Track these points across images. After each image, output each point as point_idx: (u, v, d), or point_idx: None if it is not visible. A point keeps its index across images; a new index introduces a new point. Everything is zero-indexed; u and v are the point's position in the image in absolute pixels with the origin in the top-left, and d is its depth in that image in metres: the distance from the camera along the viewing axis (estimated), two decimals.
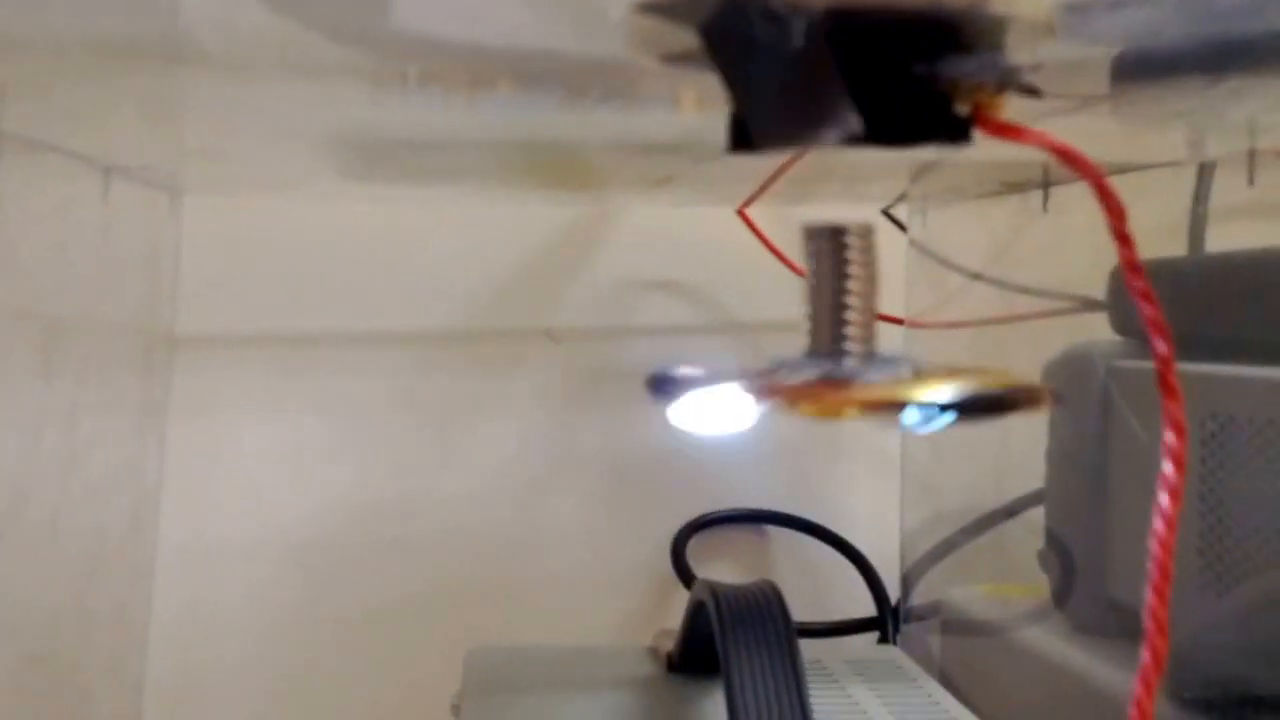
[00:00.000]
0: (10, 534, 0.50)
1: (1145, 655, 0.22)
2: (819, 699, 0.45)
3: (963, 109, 0.20)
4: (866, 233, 0.26)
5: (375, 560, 0.67)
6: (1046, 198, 0.54)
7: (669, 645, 0.48)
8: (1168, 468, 0.22)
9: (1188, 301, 0.50)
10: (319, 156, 0.53)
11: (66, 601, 0.55)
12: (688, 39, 0.19)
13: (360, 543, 0.67)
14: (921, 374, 0.26)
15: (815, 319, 0.27)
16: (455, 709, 0.45)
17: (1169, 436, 0.22)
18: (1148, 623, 0.23)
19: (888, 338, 0.68)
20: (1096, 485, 0.52)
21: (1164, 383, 0.22)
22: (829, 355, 0.26)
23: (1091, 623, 0.52)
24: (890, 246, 0.67)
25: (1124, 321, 0.53)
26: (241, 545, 0.66)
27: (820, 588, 0.68)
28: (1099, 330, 0.54)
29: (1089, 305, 0.59)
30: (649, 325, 0.69)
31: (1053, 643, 0.53)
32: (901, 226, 0.66)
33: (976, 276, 0.63)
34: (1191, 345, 0.47)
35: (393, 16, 0.23)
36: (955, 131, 0.20)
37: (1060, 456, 0.55)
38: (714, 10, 0.18)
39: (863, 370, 0.26)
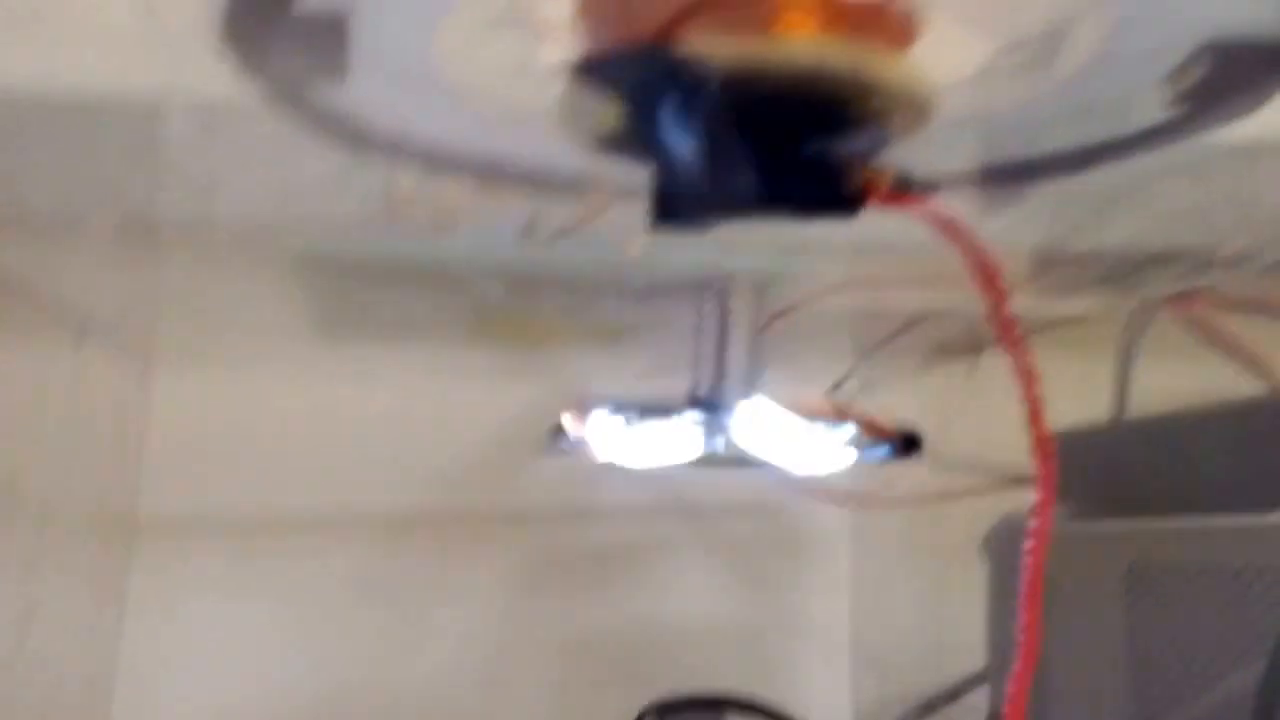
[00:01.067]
0: None
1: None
2: None
3: (854, 184, 0.23)
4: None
5: None
6: (976, 364, 0.57)
7: None
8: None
9: (1110, 463, 0.53)
10: (291, 303, 0.55)
11: None
12: (614, 119, 0.22)
13: None
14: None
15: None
16: None
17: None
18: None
19: (833, 518, 0.70)
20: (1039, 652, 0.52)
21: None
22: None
23: None
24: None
25: (1058, 487, 0.55)
26: None
27: None
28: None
29: (1019, 481, 0.62)
30: (608, 506, 0.70)
31: None
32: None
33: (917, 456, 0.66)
34: (1115, 503, 0.49)
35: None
36: (847, 204, 0.23)
37: (1000, 621, 0.56)
38: (634, 76, 0.21)
39: None
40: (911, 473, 0.68)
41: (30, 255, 0.44)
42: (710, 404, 0.28)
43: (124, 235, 0.57)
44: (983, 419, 0.62)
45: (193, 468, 0.67)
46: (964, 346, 0.57)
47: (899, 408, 0.67)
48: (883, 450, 0.27)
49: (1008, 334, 0.23)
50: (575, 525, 0.70)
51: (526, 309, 0.52)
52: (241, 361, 0.67)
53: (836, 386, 0.69)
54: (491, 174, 0.27)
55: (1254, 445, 0.45)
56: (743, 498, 0.71)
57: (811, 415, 0.27)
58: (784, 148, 0.22)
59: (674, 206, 0.23)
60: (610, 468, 0.73)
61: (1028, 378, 0.24)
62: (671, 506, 0.71)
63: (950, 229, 0.23)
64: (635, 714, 0.67)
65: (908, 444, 0.27)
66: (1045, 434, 0.27)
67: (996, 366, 0.58)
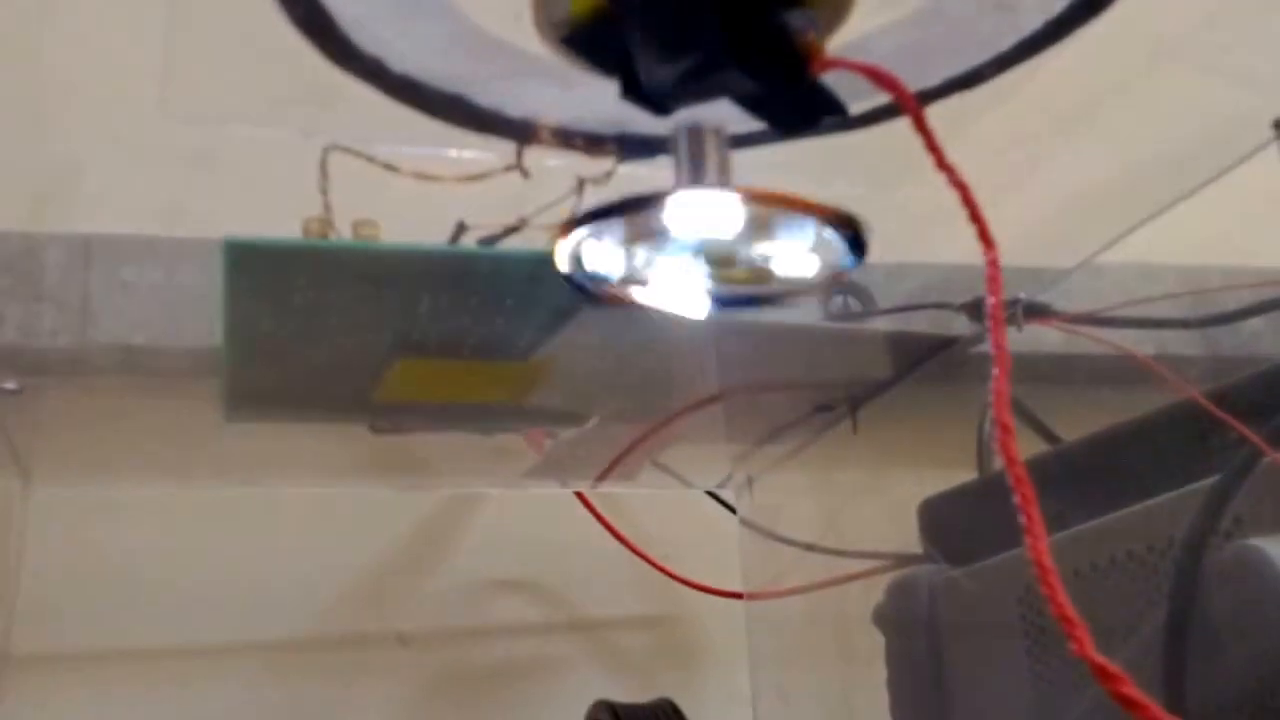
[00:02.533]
0: None
1: None
2: None
3: (800, 52, 0.25)
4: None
5: None
6: (855, 420, 0.59)
7: None
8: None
9: (980, 516, 0.55)
10: (168, 437, 0.55)
11: None
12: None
13: None
14: None
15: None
16: None
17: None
18: None
19: (729, 613, 0.71)
20: (935, 703, 0.53)
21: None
22: None
23: None
24: (723, 526, 0.71)
25: (938, 547, 0.57)
26: None
27: None
28: None
29: (908, 559, 0.64)
30: (498, 624, 0.69)
31: None
32: (730, 507, 0.70)
33: (808, 547, 0.67)
34: (993, 550, 0.51)
35: None
36: (794, 67, 0.25)
37: (899, 685, 0.56)
38: None
39: None
40: (802, 564, 0.69)
41: None
42: None
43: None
44: (873, 513, 0.64)
45: (69, 599, 0.64)
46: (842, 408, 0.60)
47: (786, 493, 0.69)
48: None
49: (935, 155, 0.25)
50: (466, 645, 0.69)
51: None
52: (118, 496, 0.65)
53: (721, 485, 0.70)
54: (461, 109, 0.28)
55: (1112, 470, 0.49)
56: (635, 610, 0.71)
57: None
58: (749, 14, 0.24)
59: (642, 75, 0.24)
60: (496, 586, 0.73)
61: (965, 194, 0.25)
62: (562, 622, 0.70)
63: (890, 82, 0.25)
64: None
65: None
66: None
67: (875, 429, 0.61)
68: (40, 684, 0.63)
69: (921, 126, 0.26)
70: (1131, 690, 0.17)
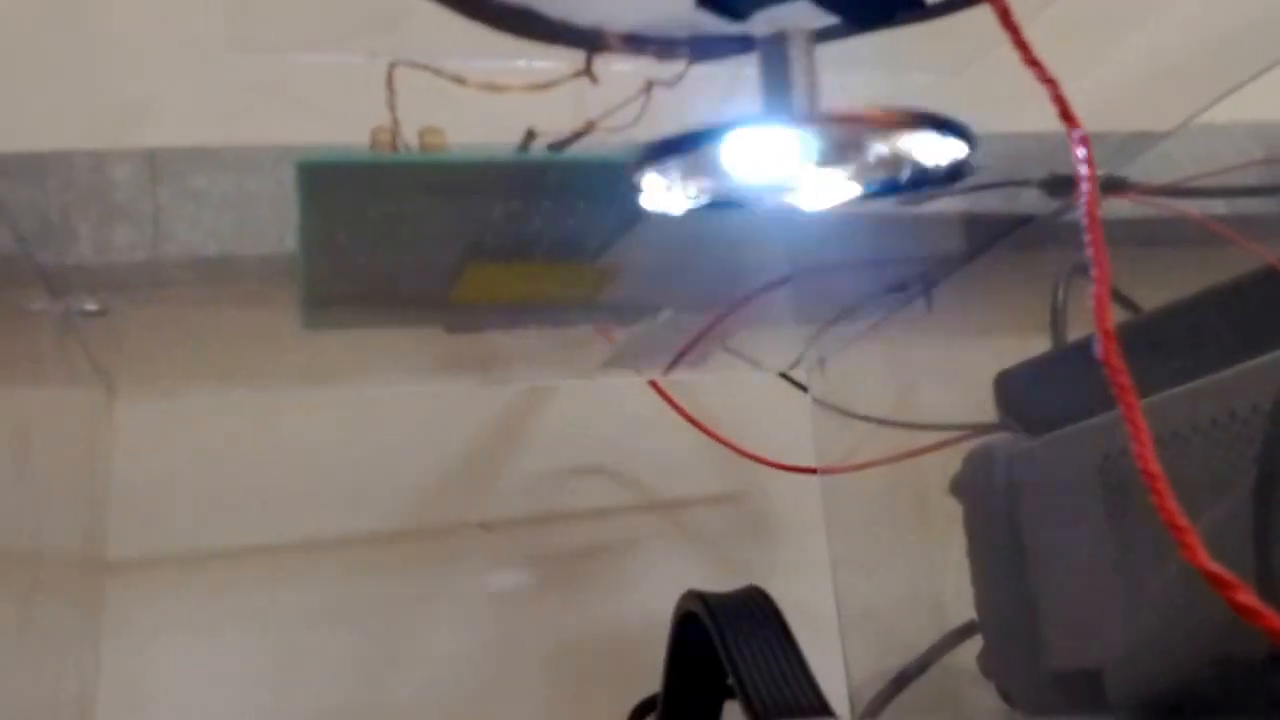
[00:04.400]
0: None
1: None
2: None
3: None
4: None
5: None
6: (929, 299, 0.59)
7: None
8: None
9: (1060, 384, 0.55)
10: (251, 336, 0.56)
11: None
12: None
13: None
14: None
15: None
16: None
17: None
18: None
19: (804, 490, 0.72)
20: (1016, 570, 0.54)
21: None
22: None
23: (1039, 705, 0.53)
24: (795, 407, 0.71)
25: (1015, 420, 0.57)
26: None
27: None
28: None
29: (984, 429, 0.64)
30: (578, 510, 0.71)
31: None
32: (802, 387, 0.71)
33: (882, 421, 0.67)
34: (1072, 420, 0.51)
35: None
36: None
37: (980, 555, 0.57)
38: None
39: None
40: (875, 440, 0.69)
41: None
42: None
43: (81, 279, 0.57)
44: (945, 385, 0.64)
45: (157, 505, 0.66)
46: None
47: (859, 372, 0.69)
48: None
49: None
50: (547, 530, 0.71)
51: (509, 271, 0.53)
52: (201, 404, 0.67)
53: (793, 367, 0.71)
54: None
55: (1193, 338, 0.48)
56: (712, 489, 0.72)
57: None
58: None
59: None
60: (574, 473, 0.74)
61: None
62: (641, 505, 0.71)
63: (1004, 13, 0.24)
64: (629, 707, 0.67)
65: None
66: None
67: (949, 306, 0.60)
68: (137, 587, 0.65)
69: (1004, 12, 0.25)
70: (1248, 598, 0.18)
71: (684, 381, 0.68)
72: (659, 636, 0.69)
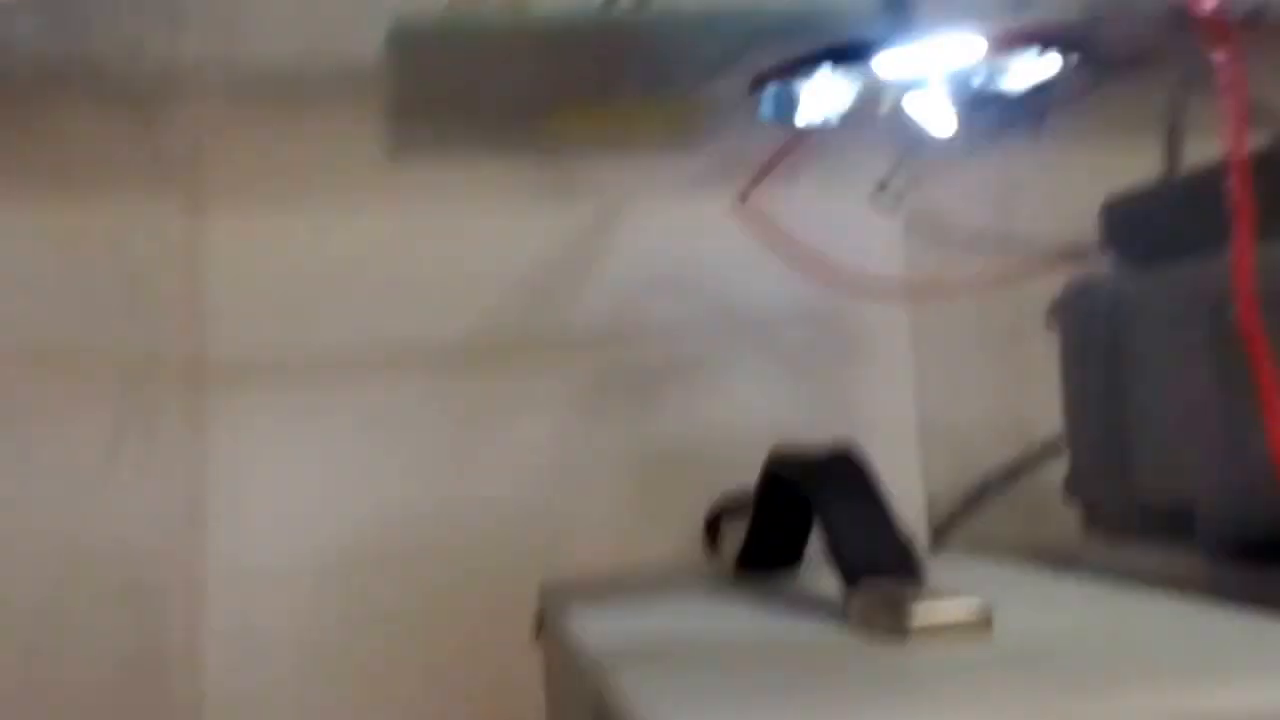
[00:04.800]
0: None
1: None
2: None
3: None
4: None
5: (413, 565, 0.68)
6: (1042, 122, 0.58)
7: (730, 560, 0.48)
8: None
9: (1172, 215, 0.53)
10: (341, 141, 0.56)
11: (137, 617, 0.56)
12: None
13: (397, 549, 0.68)
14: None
15: None
16: (537, 630, 0.46)
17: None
18: None
19: (889, 312, 0.71)
20: (1112, 399, 0.54)
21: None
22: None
23: (1123, 529, 0.54)
24: (884, 228, 0.71)
25: (1120, 250, 0.56)
26: (283, 558, 0.67)
27: None
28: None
29: (1081, 252, 0.63)
30: (660, 325, 0.71)
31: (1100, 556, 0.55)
32: (890, 207, 0.69)
33: (975, 241, 0.67)
34: (1183, 253, 0.50)
35: None
36: None
37: (1075, 384, 0.57)
38: None
39: None
40: (968, 261, 0.69)
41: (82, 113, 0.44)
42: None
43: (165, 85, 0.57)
44: (1040, 202, 0.63)
45: (254, 309, 0.67)
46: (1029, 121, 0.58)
47: (958, 189, 0.68)
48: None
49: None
50: (629, 345, 0.71)
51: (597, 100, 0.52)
52: (294, 200, 0.67)
53: (885, 183, 0.69)
54: None
55: None
56: (796, 307, 0.72)
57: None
58: None
59: None
60: (656, 289, 0.74)
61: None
62: (724, 322, 0.71)
63: None
64: (703, 517, 0.69)
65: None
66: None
67: (1060, 142, 0.58)
68: (237, 390, 0.67)
69: None
70: None
71: (773, 200, 0.67)
72: (736, 448, 0.70)
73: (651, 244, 0.71)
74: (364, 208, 0.67)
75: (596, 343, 0.71)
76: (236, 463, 0.67)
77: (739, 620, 0.38)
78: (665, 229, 0.71)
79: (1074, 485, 0.57)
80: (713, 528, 0.68)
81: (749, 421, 0.71)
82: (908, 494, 0.70)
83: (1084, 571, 0.53)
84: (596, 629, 0.38)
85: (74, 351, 0.59)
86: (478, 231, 0.69)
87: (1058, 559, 0.56)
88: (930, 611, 0.32)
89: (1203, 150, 0.54)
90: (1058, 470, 0.58)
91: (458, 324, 0.69)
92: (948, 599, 0.32)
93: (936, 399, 0.69)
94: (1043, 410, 0.60)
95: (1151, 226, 0.55)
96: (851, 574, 0.34)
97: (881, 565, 0.35)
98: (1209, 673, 0.28)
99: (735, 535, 0.68)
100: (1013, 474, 0.65)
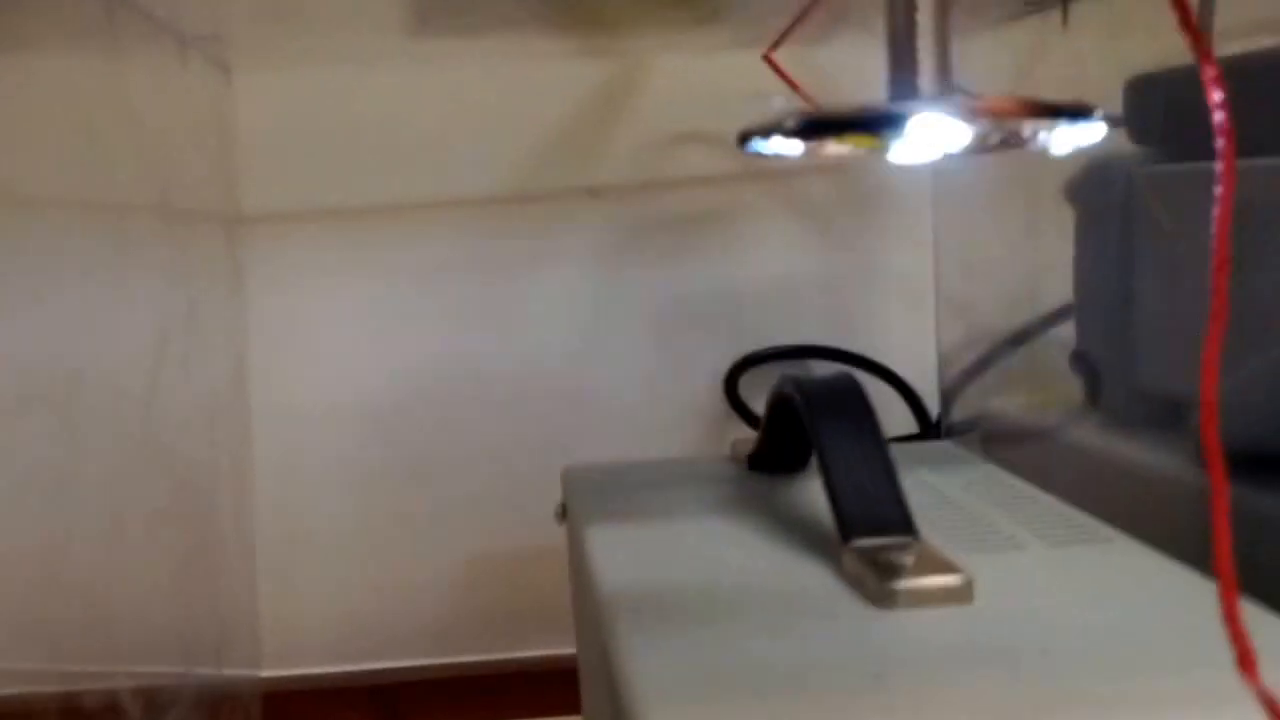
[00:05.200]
0: (159, 373, 0.54)
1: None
2: None
3: None
4: None
5: (445, 411, 0.71)
6: (1066, 14, 0.56)
7: (745, 451, 0.52)
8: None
9: (1199, 104, 0.53)
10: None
11: (199, 440, 0.60)
12: None
13: (431, 396, 0.71)
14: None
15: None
16: (561, 516, 0.49)
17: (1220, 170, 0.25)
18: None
19: (912, 172, 0.71)
20: (1124, 285, 0.55)
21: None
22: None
23: (1124, 414, 0.56)
24: None
25: (1141, 131, 0.56)
26: (322, 404, 0.71)
27: None
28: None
29: (1107, 121, 0.62)
30: (685, 176, 0.72)
31: (1089, 438, 0.57)
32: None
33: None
34: (1209, 145, 0.50)
35: None
36: None
37: (1088, 263, 0.58)
38: None
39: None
40: (992, 135, 0.68)
41: None
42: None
43: None
44: (1072, 69, 0.62)
45: (286, 165, 0.69)
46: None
47: (985, 56, 0.67)
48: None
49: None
50: (654, 196, 0.72)
51: None
52: (324, 56, 0.67)
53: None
54: None
55: None
56: (820, 161, 0.72)
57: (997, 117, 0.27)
58: None
59: None
60: (682, 140, 0.74)
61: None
62: (748, 173, 0.72)
63: None
64: (727, 366, 0.71)
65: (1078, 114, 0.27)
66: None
67: (1089, 17, 0.57)
68: (272, 240, 0.69)
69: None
70: None
71: (801, 54, 0.66)
72: (762, 298, 0.72)
73: (679, 94, 0.71)
74: (393, 64, 0.67)
75: (623, 196, 0.71)
76: (273, 312, 0.70)
77: (743, 553, 0.40)
78: (694, 79, 0.70)
79: (1079, 361, 0.58)
80: (732, 383, 0.70)
81: (770, 274, 0.72)
82: (921, 354, 0.72)
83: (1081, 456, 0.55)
84: (608, 556, 0.40)
85: (114, 208, 0.61)
86: (507, 85, 0.69)
87: (1057, 433, 0.59)
88: (915, 584, 0.34)
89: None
90: (1069, 337, 0.60)
91: (482, 179, 0.71)
92: (931, 574, 0.34)
93: (952, 261, 0.70)
94: (1058, 279, 0.61)
95: (1172, 111, 0.54)
96: (846, 531, 0.37)
97: (875, 523, 0.37)
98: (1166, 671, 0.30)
99: (751, 388, 0.71)
100: (1022, 339, 0.66)
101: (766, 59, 0.67)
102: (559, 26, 0.61)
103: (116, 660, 0.50)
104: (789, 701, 0.28)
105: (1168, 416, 0.52)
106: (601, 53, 0.68)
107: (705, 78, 0.70)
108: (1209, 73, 0.23)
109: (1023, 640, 0.32)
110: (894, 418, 0.71)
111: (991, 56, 0.65)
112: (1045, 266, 0.64)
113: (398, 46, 0.65)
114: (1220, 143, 0.23)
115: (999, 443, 0.65)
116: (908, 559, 0.35)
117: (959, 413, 0.69)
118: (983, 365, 0.68)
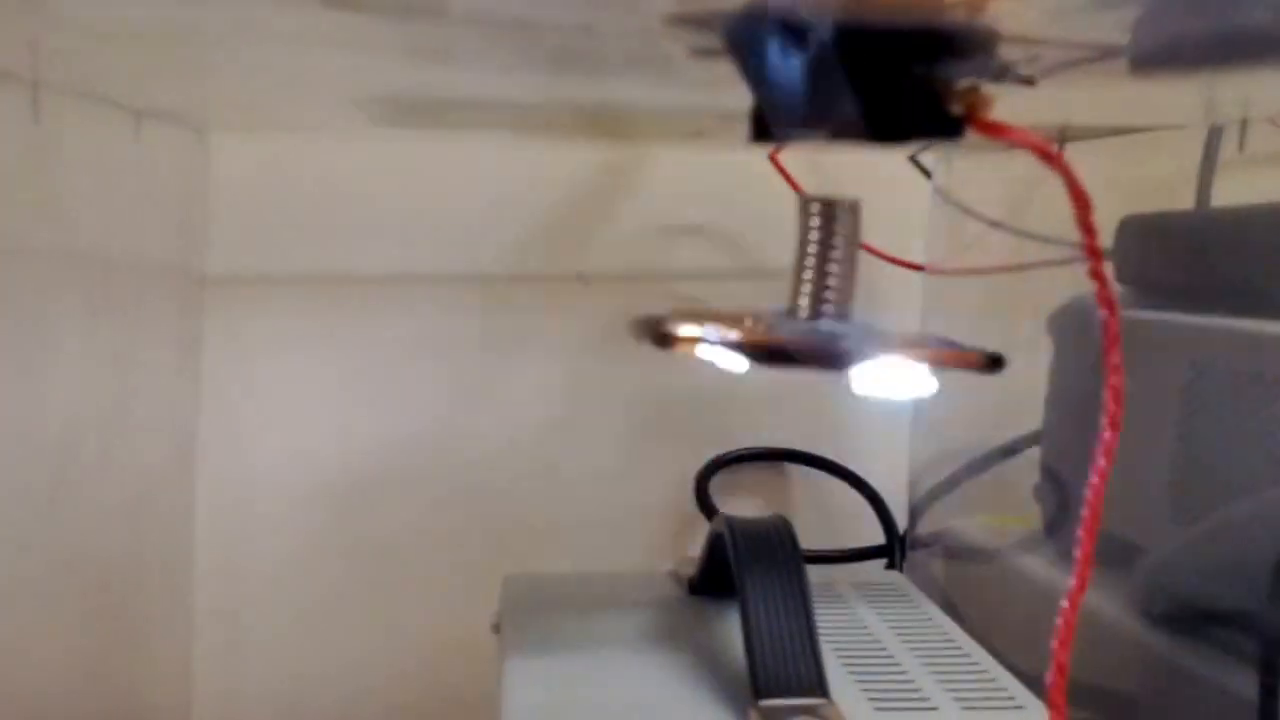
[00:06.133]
0: (68, 469, 0.53)
1: (1072, 580, 0.26)
2: (826, 616, 0.49)
3: (956, 109, 0.23)
4: (855, 208, 0.29)
5: (408, 494, 0.71)
6: (1061, 150, 0.57)
7: (690, 570, 0.52)
8: (1109, 405, 0.26)
9: (1188, 253, 0.53)
10: (349, 109, 0.56)
11: (120, 535, 0.59)
12: (714, 40, 0.22)
13: (393, 478, 0.71)
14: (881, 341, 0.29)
15: (798, 280, 0.30)
16: (496, 628, 0.49)
17: (1112, 378, 0.25)
18: (1078, 549, 0.26)
19: (907, 283, 0.72)
20: (1088, 426, 0.55)
21: (1107, 333, 0.25)
22: (808, 315, 0.30)
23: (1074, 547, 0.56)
24: (914, 194, 0.70)
25: (1127, 271, 0.56)
26: (276, 480, 0.70)
27: (834, 519, 0.72)
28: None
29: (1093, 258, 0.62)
30: (677, 269, 0.72)
31: (1042, 568, 0.57)
32: (927, 173, 0.69)
33: (996, 224, 0.66)
34: (1189, 294, 0.50)
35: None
36: (948, 129, 0.23)
37: (1058, 399, 0.58)
38: (736, 22, 0.21)
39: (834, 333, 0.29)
40: (988, 243, 0.68)
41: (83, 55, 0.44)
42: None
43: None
44: (1060, 201, 0.62)
45: (258, 230, 0.68)
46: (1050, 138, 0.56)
47: (983, 184, 0.67)
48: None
49: (1096, 265, 0.24)
50: (644, 286, 0.72)
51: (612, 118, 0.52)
52: (298, 131, 0.67)
53: (917, 154, 0.68)
54: None
55: None
56: None
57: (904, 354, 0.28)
58: (889, 77, 0.22)
59: (773, 128, 0.23)
60: (676, 233, 0.74)
61: (1083, 204, 0.24)
62: (740, 269, 0.72)
63: (1048, 155, 0.23)
64: (700, 466, 0.71)
65: (992, 364, 0.28)
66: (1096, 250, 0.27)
67: (1077, 156, 0.57)
68: (235, 305, 0.69)
69: (1090, 234, 0.24)
70: None
71: (805, 154, 0.66)
72: (743, 398, 0.72)
73: (678, 190, 0.71)
74: (372, 135, 0.67)
75: (610, 285, 0.71)
76: (230, 380, 0.69)
77: (656, 692, 0.40)
78: (693, 177, 0.71)
79: (1042, 495, 0.58)
80: (703, 484, 0.70)
81: (756, 376, 0.72)
82: (897, 465, 0.72)
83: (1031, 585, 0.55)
84: (521, 680, 0.41)
85: (85, 259, 0.61)
86: (492, 163, 0.70)
87: (1010, 559, 0.59)
88: None
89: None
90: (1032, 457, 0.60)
91: (468, 257, 0.71)
92: None
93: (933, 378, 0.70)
94: (1034, 406, 0.61)
95: (1159, 257, 0.54)
96: (757, 689, 0.37)
97: (787, 683, 0.37)
98: None
99: (723, 490, 0.71)
100: (992, 461, 0.66)
101: (772, 159, 0.68)
102: (563, 122, 0.61)
103: None
104: None
105: (1116, 557, 0.52)
106: (604, 144, 0.69)
107: (706, 173, 0.70)
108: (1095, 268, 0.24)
109: None
110: (864, 525, 0.71)
111: (987, 181, 0.66)
112: (1022, 393, 0.64)
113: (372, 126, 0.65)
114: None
115: (957, 561, 0.65)
116: None
117: (925, 527, 0.68)
118: (951, 484, 0.68)
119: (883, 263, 0.68)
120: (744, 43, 0.22)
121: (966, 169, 0.67)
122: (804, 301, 0.30)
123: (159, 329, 0.64)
